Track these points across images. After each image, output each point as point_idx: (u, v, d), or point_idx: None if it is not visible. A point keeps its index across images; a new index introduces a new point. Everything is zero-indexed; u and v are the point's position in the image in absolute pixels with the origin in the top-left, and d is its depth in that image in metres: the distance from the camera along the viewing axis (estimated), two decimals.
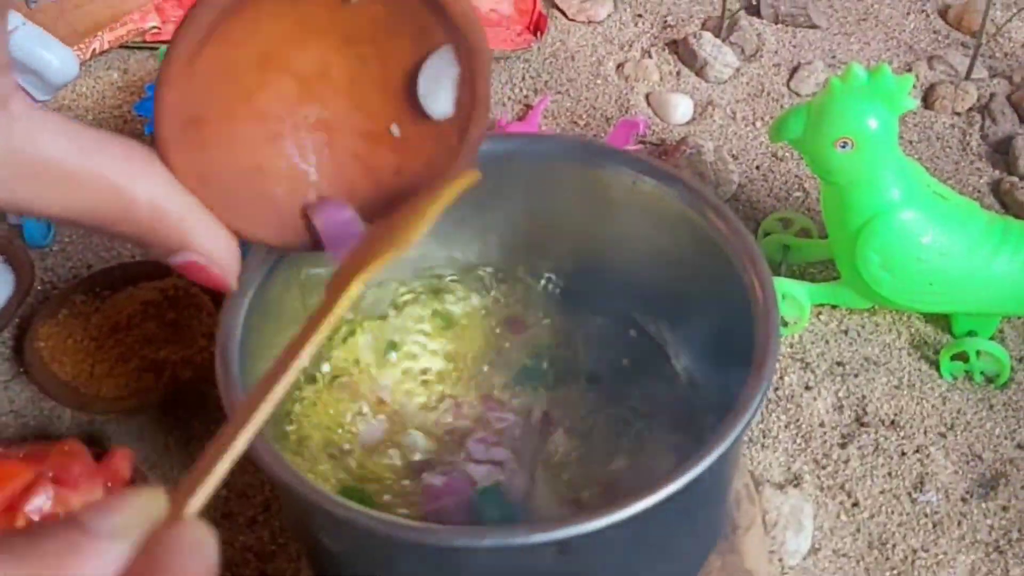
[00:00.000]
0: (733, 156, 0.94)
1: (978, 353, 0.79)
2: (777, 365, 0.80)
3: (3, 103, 0.36)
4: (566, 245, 0.66)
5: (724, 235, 0.57)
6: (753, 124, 0.98)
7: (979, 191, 0.92)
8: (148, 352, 0.77)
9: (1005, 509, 0.73)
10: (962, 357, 0.79)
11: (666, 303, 0.65)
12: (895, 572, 0.70)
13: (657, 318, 0.66)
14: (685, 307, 0.63)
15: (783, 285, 0.80)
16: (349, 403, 0.65)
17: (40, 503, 0.65)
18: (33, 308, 0.83)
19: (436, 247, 0.68)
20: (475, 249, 0.68)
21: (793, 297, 0.80)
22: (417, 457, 0.63)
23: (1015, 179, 0.92)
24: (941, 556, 0.71)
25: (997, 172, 0.94)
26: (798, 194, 0.92)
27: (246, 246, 0.46)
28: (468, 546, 0.46)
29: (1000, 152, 0.95)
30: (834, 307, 0.83)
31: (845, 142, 0.73)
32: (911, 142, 0.96)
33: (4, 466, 0.67)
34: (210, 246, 0.40)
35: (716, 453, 0.47)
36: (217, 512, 0.73)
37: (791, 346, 0.81)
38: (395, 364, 0.68)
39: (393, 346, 0.68)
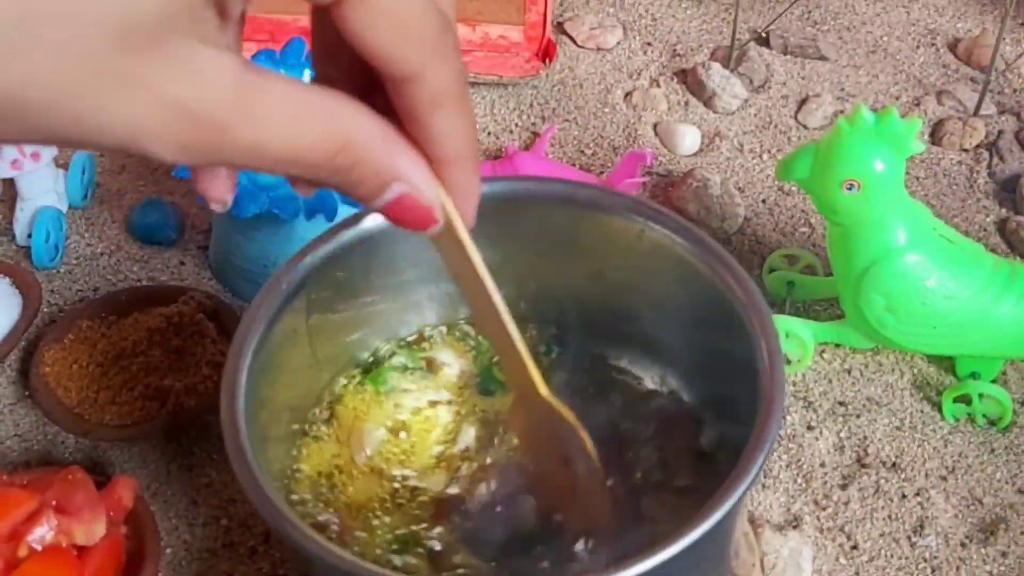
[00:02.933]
0: (739, 189, 0.95)
1: (980, 396, 0.79)
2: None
3: (231, 47, 0.36)
4: (569, 290, 0.66)
5: (731, 288, 0.57)
6: (760, 157, 0.98)
7: (985, 230, 0.92)
8: (152, 380, 0.77)
9: (1004, 555, 0.73)
10: (965, 399, 0.79)
11: (671, 352, 0.65)
12: None
13: (662, 366, 0.66)
14: (690, 356, 0.63)
15: (787, 323, 0.80)
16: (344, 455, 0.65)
17: (42, 533, 0.66)
18: (40, 331, 0.84)
19: (430, 300, 0.69)
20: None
21: (797, 336, 0.80)
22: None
23: (1022, 219, 0.92)
24: None
25: (1004, 211, 0.94)
26: (804, 229, 0.92)
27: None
28: None
29: (1007, 190, 0.95)
30: (838, 346, 0.83)
31: (851, 184, 0.73)
32: (918, 178, 0.96)
33: (8, 495, 0.67)
34: (416, 177, 0.40)
35: (717, 516, 0.47)
36: (218, 542, 0.73)
37: (794, 384, 0.82)
38: (389, 417, 0.67)
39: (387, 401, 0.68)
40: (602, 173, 0.95)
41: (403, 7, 0.37)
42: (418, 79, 0.38)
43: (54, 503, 0.68)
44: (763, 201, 0.94)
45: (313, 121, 0.37)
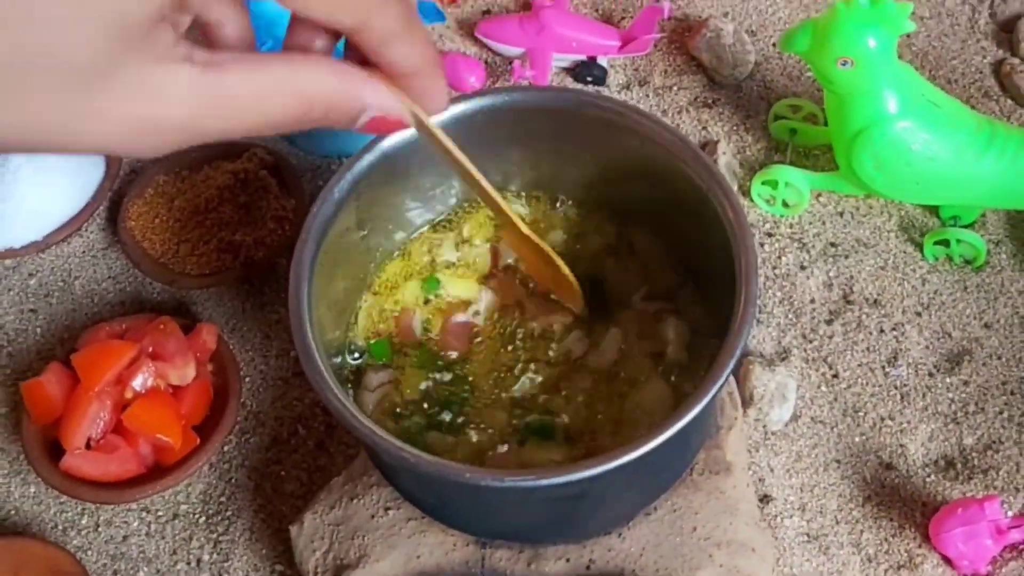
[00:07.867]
0: (751, 32, 1.01)
1: (958, 241, 0.88)
2: (777, 245, 0.90)
3: (188, 57, 0.41)
4: (578, 177, 0.77)
5: (703, 179, 0.68)
6: None
7: (981, 72, 0.99)
8: (225, 234, 0.87)
9: (966, 384, 0.84)
10: (944, 243, 0.89)
11: (659, 230, 0.76)
12: (864, 438, 0.82)
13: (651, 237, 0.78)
14: (675, 235, 0.74)
15: (785, 173, 0.89)
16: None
17: (143, 380, 0.78)
18: (122, 182, 0.94)
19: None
20: (503, 176, 0.79)
21: (794, 185, 0.89)
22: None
23: (1016, 61, 0.98)
24: (905, 424, 0.82)
25: (1000, 52, 1.00)
26: (810, 74, 0.99)
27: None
28: (491, 485, 0.58)
29: (1006, 31, 1.01)
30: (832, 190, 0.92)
31: (845, 61, 0.81)
32: (922, 18, 1.02)
33: (111, 346, 0.79)
34: (380, 101, 0.48)
35: (696, 409, 0.58)
36: (289, 371, 0.85)
37: (791, 227, 0.91)
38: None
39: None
40: (623, 20, 1.01)
41: None
42: (362, 30, 0.45)
43: (150, 350, 0.80)
44: (773, 45, 1.01)
45: (276, 94, 0.42)
